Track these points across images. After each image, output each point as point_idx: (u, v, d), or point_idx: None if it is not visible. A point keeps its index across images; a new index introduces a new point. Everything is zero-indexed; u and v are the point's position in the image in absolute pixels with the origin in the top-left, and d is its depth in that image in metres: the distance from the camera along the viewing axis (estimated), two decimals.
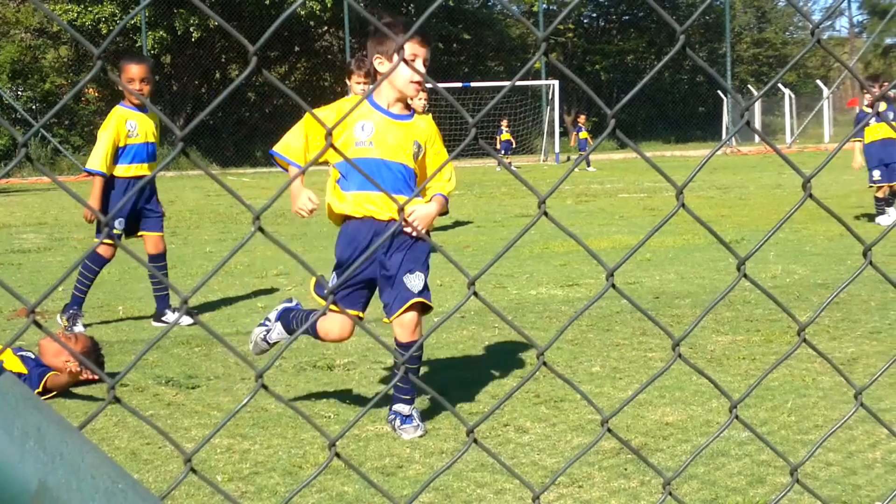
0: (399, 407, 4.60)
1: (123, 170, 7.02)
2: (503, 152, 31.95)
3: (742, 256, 1.63)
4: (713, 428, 4.47)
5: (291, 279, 9.24)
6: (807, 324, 1.76)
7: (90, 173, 7.04)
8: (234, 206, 16.92)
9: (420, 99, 9.79)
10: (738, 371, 5.47)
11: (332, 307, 4.44)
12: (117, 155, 7.01)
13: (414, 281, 4.45)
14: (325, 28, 42.20)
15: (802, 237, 11.02)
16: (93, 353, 5.60)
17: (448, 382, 5.45)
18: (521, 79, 34.01)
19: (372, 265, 4.55)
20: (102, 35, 34.70)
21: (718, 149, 1.64)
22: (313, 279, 4.72)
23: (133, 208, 7.15)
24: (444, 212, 4.86)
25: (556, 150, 35.16)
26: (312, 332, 4.75)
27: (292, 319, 4.87)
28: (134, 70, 6.95)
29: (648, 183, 21.32)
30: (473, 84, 35.02)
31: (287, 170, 4.71)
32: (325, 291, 4.38)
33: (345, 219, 4.64)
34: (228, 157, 36.72)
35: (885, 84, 12.85)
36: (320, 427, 1.40)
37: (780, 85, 42.08)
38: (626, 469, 3.95)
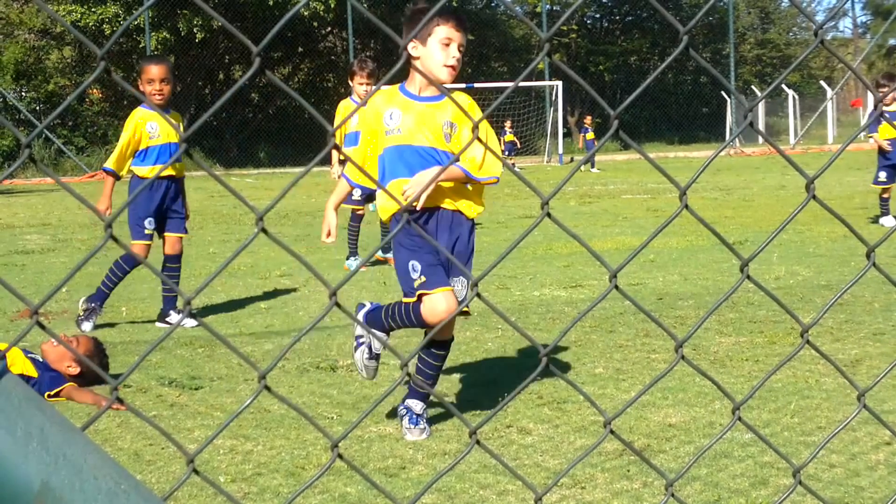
0: (412, 403, 4.54)
1: (147, 171, 7.07)
2: (507, 153, 31.97)
3: (745, 258, 1.63)
4: (716, 429, 4.46)
5: (295, 280, 9.24)
6: (810, 325, 1.75)
7: (104, 172, 7.15)
8: (238, 207, 16.93)
9: None
10: (741, 372, 5.46)
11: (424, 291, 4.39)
12: (143, 156, 7.06)
13: (457, 286, 4.45)
14: (329, 29, 42.24)
15: (806, 238, 11.01)
16: (96, 355, 5.60)
17: (451, 383, 5.45)
18: (525, 80, 34.09)
19: (447, 239, 4.48)
20: (106, 36, 34.74)
21: (722, 150, 1.64)
22: (419, 277, 4.41)
23: (160, 208, 7.19)
24: (460, 180, 4.49)
25: (560, 151, 35.17)
26: (417, 319, 4.48)
27: (386, 318, 4.62)
28: (154, 71, 6.99)
29: (652, 184, 21.31)
30: (477, 85, 35.03)
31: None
32: (415, 284, 4.36)
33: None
34: (232, 158, 36.77)
35: None
36: (323, 428, 1.40)
37: (783, 86, 42.07)
38: (628, 470, 3.95)
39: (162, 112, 1.29)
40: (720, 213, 14.35)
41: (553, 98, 36.11)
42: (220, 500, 3.78)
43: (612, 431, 1.58)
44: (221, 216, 16.41)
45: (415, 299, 4.40)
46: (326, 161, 11.92)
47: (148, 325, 7.33)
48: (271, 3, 35.52)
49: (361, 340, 4.77)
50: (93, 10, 35.43)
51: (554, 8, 45.63)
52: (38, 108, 37.31)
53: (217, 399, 5.24)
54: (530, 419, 4.69)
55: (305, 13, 35.99)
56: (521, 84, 35.96)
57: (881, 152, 12.43)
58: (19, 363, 5.35)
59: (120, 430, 4.72)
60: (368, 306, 4.78)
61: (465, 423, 1.60)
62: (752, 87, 47.77)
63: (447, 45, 4.42)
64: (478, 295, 1.44)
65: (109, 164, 7.05)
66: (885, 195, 12.38)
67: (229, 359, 6.08)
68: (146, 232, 7.14)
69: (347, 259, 10.10)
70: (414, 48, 4.47)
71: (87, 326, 7.12)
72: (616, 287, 1.51)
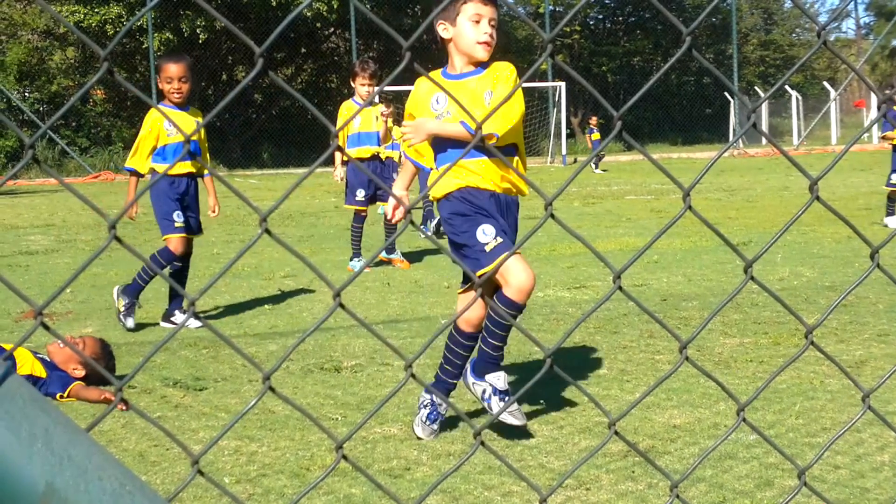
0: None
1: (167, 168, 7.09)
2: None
3: (749, 259, 1.63)
4: (721, 430, 4.46)
5: (299, 281, 9.24)
6: (814, 326, 1.75)
7: (126, 171, 7.20)
8: (241, 208, 16.94)
9: (384, 114, 9.76)
10: (745, 374, 5.46)
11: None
12: (163, 154, 7.08)
13: None
14: (332, 30, 42.26)
15: (810, 239, 11.00)
16: (103, 357, 5.60)
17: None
18: (528, 80, 33.94)
19: (503, 219, 4.45)
20: (109, 37, 34.77)
21: (725, 150, 1.64)
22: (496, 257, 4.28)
23: (182, 206, 7.23)
24: (462, 136, 4.37)
25: (563, 152, 35.16)
26: (514, 304, 4.31)
27: (489, 340, 4.41)
28: (173, 69, 7.01)
29: (655, 185, 21.30)
30: None
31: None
32: (488, 248, 4.31)
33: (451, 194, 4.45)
34: (235, 159, 36.79)
35: None
36: (328, 429, 1.40)
37: (787, 87, 42.07)
38: (633, 472, 3.95)
39: (159, 107, 1.30)
40: (724, 214, 14.33)
41: (556, 99, 36.10)
42: (225, 500, 3.78)
43: (616, 433, 1.58)
44: (225, 217, 16.41)
45: (488, 269, 4.23)
46: (330, 162, 11.94)
47: (153, 326, 7.34)
48: (274, 3, 35.55)
49: (492, 391, 4.47)
50: (95, 10, 35.46)
51: (557, 9, 45.62)
52: (41, 108, 37.36)
53: (221, 400, 5.24)
54: (534, 420, 4.69)
55: (308, 14, 36.02)
56: (525, 85, 35.96)
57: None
58: (28, 363, 5.36)
59: (125, 430, 4.72)
60: (469, 375, 4.55)
61: (470, 425, 1.60)
62: (756, 88, 47.76)
63: (477, 21, 4.38)
64: (482, 296, 1.44)
65: (129, 163, 7.10)
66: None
67: (234, 360, 6.09)
68: (177, 225, 7.17)
69: (351, 260, 10.10)
70: (445, 31, 4.44)
71: (130, 322, 7.14)
72: (620, 288, 1.51)
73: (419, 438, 4.48)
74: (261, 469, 4.14)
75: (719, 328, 6.54)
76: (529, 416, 4.73)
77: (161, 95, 7.24)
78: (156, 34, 35.45)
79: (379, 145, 9.85)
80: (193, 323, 7.02)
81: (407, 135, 4.46)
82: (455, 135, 4.39)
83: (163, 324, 7.36)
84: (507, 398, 4.37)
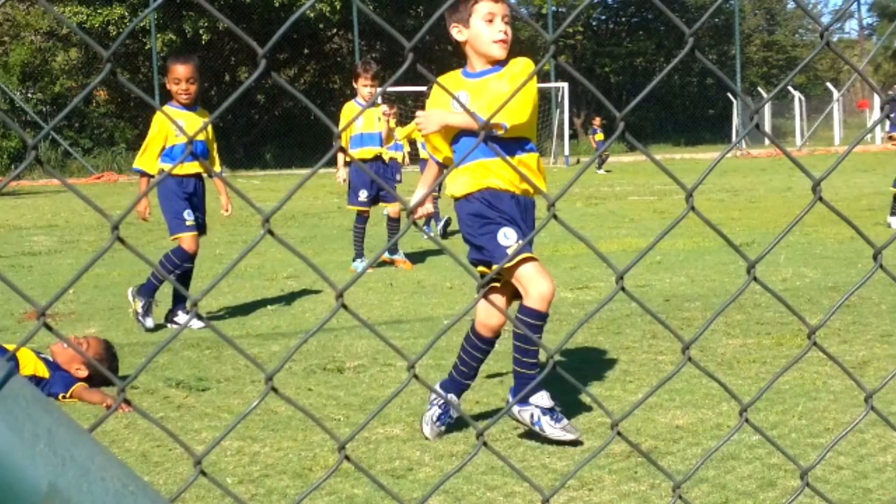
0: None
1: (175, 168, 7.10)
2: None
3: (752, 259, 1.63)
4: (723, 431, 4.46)
5: (301, 282, 9.25)
6: (817, 327, 1.75)
7: (135, 173, 7.23)
8: (244, 209, 16.93)
9: (386, 114, 9.76)
10: (748, 374, 5.45)
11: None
12: (171, 154, 7.10)
13: None
14: (335, 30, 42.28)
15: (813, 240, 11.00)
16: (106, 358, 5.60)
17: None
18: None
19: (522, 222, 4.42)
20: (112, 38, 34.82)
21: (728, 151, 1.64)
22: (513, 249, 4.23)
23: (192, 205, 7.25)
24: (471, 127, 4.36)
25: (566, 152, 35.15)
26: (538, 313, 4.29)
27: (522, 359, 4.38)
28: (180, 70, 7.02)
29: (658, 185, 21.30)
30: None
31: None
32: (509, 250, 4.26)
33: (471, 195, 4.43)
34: (238, 160, 36.81)
35: None
36: (330, 430, 1.40)
37: (789, 87, 42.05)
38: (636, 472, 3.94)
39: (164, 109, 1.30)
40: (727, 215, 14.33)
41: (559, 100, 36.10)
42: (228, 501, 3.78)
43: (619, 433, 1.58)
44: (228, 218, 16.42)
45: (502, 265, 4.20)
46: (332, 163, 11.95)
47: (156, 326, 7.33)
48: (277, 4, 35.57)
49: (539, 406, 4.38)
50: (98, 11, 35.52)
51: (559, 10, 45.62)
52: (44, 109, 37.40)
53: (224, 400, 5.25)
54: None
55: (311, 15, 36.02)
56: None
57: None
58: (31, 364, 5.36)
59: (127, 431, 4.73)
60: (515, 405, 4.40)
61: (473, 425, 1.60)
62: (759, 88, 47.76)
63: (491, 20, 4.36)
64: (484, 297, 1.44)
65: (138, 163, 7.12)
66: None
67: (236, 360, 6.09)
68: (188, 223, 7.18)
69: (354, 261, 10.10)
70: (459, 33, 4.42)
71: (149, 322, 7.15)
72: (623, 289, 1.51)
73: (425, 437, 4.47)
74: (263, 469, 4.14)
75: (722, 329, 6.53)
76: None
77: (168, 96, 7.24)
78: (159, 35, 35.50)
79: (381, 146, 9.85)
80: (196, 323, 7.02)
81: (419, 125, 4.45)
82: (465, 125, 4.39)
83: (167, 324, 7.36)
84: (555, 414, 4.33)
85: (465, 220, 4.43)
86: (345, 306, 1.30)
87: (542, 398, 4.35)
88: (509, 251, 4.26)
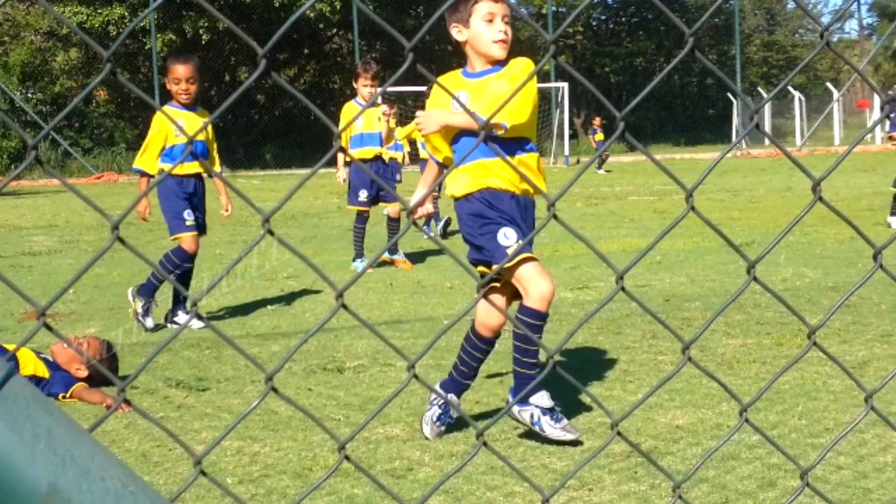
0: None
1: (175, 168, 7.10)
2: None
3: (752, 259, 1.63)
4: (723, 431, 4.46)
5: (301, 282, 9.25)
6: (817, 327, 1.75)
7: (135, 173, 7.23)
8: (244, 209, 16.93)
9: (385, 114, 9.75)
10: (748, 374, 5.45)
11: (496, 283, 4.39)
12: (171, 154, 7.10)
13: None
14: (335, 31, 42.28)
15: (813, 240, 11.00)
16: (106, 358, 5.60)
17: None
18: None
19: (522, 222, 4.42)
20: (111, 38, 34.82)
21: (728, 151, 1.64)
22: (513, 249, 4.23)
23: (192, 205, 7.26)
24: (472, 126, 4.35)
25: (566, 152, 35.15)
26: (538, 313, 4.28)
27: (524, 361, 4.39)
28: (181, 70, 7.01)
29: (658, 185, 21.30)
30: None
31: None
32: (509, 250, 4.29)
33: (471, 195, 4.42)
34: (238, 160, 36.80)
35: None
36: (330, 430, 1.40)
37: (789, 87, 42.06)
38: (636, 472, 3.94)
39: (164, 109, 1.30)
40: (727, 215, 14.33)
41: (559, 100, 36.10)
42: (228, 501, 3.78)
43: (619, 433, 1.58)
44: (228, 218, 16.42)
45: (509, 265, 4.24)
46: (332, 163, 11.95)
47: (155, 326, 7.33)
48: (277, 4, 35.57)
49: (537, 408, 4.38)
50: (98, 11, 35.52)
51: (559, 10, 45.62)
52: (44, 109, 37.40)
53: (224, 400, 5.25)
54: None
55: (311, 15, 36.02)
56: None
57: None
58: (31, 364, 5.36)
59: (127, 431, 4.73)
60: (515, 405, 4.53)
61: (473, 425, 1.60)
62: (759, 88, 47.76)
63: (491, 20, 4.36)
64: (485, 297, 1.44)
65: (138, 163, 7.12)
66: None
67: (236, 360, 6.09)
68: (188, 223, 7.18)
69: (354, 261, 10.10)
70: (459, 33, 4.42)
71: (149, 322, 7.15)
72: (623, 289, 1.51)
73: (425, 437, 4.47)
74: (263, 469, 4.14)
75: (722, 329, 6.53)
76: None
77: (167, 96, 7.24)
78: (159, 35, 35.49)
79: (381, 146, 9.85)
80: (196, 323, 7.01)
81: (419, 125, 4.45)
82: (465, 125, 4.39)
83: (166, 324, 7.36)
84: (555, 414, 4.34)
85: (465, 220, 4.43)
86: (345, 306, 1.30)
87: (542, 398, 4.35)
88: (509, 251, 4.26)
